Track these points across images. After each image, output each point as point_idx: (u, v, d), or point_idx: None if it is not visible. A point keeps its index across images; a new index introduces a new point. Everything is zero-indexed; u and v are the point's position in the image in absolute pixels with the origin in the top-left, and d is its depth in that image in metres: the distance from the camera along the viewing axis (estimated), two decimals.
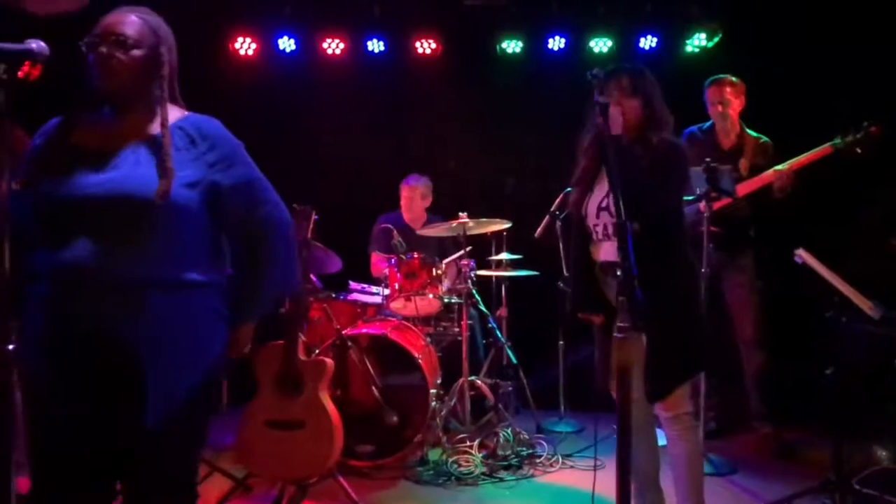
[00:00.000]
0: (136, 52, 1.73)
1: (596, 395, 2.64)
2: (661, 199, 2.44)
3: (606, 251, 2.54)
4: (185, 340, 1.68)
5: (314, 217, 3.30)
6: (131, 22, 1.75)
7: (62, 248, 1.62)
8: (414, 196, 4.79)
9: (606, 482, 3.44)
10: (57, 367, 1.62)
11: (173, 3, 4.98)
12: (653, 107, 2.56)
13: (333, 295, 4.24)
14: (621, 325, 1.77)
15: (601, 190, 2.56)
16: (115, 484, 1.73)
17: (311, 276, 4.35)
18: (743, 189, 3.91)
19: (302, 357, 3.10)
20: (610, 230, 2.51)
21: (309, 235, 3.23)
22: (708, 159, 3.65)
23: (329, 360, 3.15)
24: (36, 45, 1.62)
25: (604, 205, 2.53)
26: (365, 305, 4.27)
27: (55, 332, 1.62)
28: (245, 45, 5.26)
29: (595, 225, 2.57)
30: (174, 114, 1.78)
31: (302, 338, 3.17)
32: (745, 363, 4.08)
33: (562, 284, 4.25)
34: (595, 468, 3.06)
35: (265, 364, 3.09)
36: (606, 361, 2.60)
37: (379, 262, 4.55)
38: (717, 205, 3.82)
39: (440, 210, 4.86)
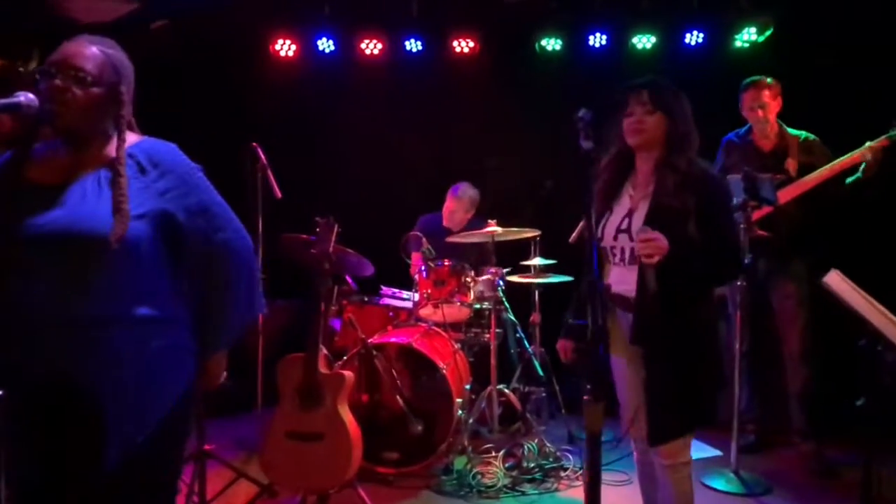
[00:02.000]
0: (95, 91, 1.66)
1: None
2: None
3: (618, 278, 2.38)
4: (143, 378, 1.64)
5: (336, 228, 3.31)
6: (93, 56, 1.67)
7: (12, 289, 1.58)
8: (458, 209, 4.73)
9: (634, 496, 3.42)
10: (13, 412, 1.62)
11: (214, 6, 5.13)
12: (675, 123, 2.37)
13: (366, 299, 4.27)
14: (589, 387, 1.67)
15: (621, 210, 2.41)
16: None
17: (347, 278, 4.41)
18: (794, 190, 3.73)
19: (323, 370, 3.14)
20: (627, 255, 2.36)
21: (331, 248, 3.24)
22: (747, 168, 3.53)
23: (349, 374, 3.17)
24: (24, 97, 1.63)
25: (623, 226, 2.36)
26: (397, 310, 4.28)
27: (8, 377, 1.60)
28: (285, 47, 5.30)
29: (612, 247, 2.41)
30: (128, 139, 1.73)
31: (323, 350, 3.19)
32: (789, 377, 3.91)
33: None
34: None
35: (286, 376, 3.14)
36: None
37: (418, 261, 4.56)
38: (756, 214, 3.68)
39: (478, 210, 4.82)
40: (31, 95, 1.64)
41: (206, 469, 3.28)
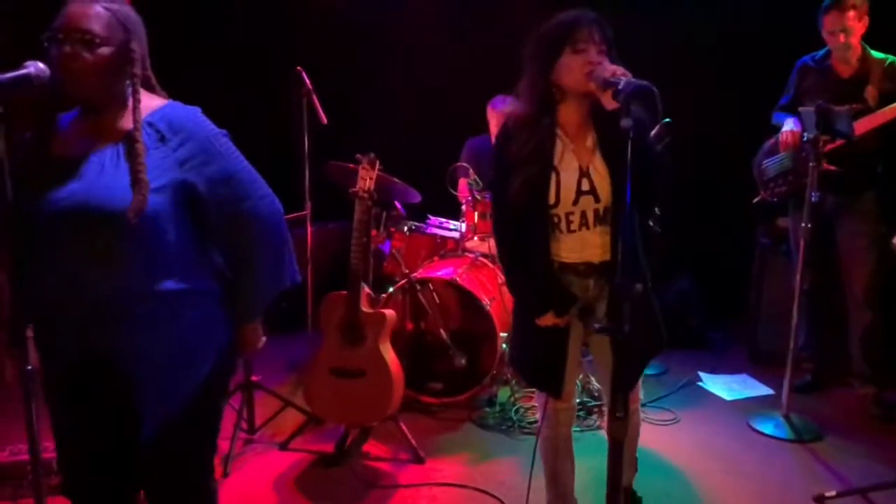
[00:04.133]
0: (104, 51, 1.58)
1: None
2: (669, 168, 2.09)
3: (579, 244, 2.15)
4: (175, 352, 1.66)
5: (378, 165, 3.22)
6: (97, 15, 1.58)
7: (44, 267, 1.58)
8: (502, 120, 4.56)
9: (679, 438, 3.41)
10: (54, 394, 1.69)
11: None
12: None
13: (414, 227, 4.22)
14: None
15: (569, 170, 2.11)
16: (137, 494, 1.82)
17: (396, 203, 4.36)
18: (871, 121, 3.42)
19: (365, 308, 3.14)
20: (590, 218, 2.12)
21: (372, 186, 3.16)
22: (821, 102, 3.24)
23: (390, 313, 3.17)
24: (34, 68, 1.57)
25: (585, 188, 2.10)
26: (444, 239, 4.23)
27: (47, 356, 1.65)
28: None
29: (569, 214, 2.13)
30: (147, 105, 1.66)
31: (365, 289, 3.19)
32: (852, 319, 3.73)
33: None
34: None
35: (329, 313, 3.16)
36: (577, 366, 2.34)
37: (465, 191, 4.45)
38: (828, 146, 3.42)
39: None
40: (40, 65, 1.57)
41: (253, 398, 3.41)
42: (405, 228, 4.18)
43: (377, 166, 3.19)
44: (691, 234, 4.84)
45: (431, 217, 4.30)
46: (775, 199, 3.83)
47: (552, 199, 2.12)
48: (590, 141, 2.14)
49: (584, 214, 2.13)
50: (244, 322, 1.85)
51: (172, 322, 1.65)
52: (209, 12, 5.16)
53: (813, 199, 3.30)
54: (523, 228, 2.17)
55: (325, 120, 3.86)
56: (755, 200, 3.91)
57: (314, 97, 3.86)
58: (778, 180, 3.78)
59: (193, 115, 1.73)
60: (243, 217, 1.74)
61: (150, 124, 1.65)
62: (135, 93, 1.64)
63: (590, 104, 2.12)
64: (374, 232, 4.23)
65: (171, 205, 1.62)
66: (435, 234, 4.20)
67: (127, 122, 1.63)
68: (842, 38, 3.43)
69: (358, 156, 3.21)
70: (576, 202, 2.12)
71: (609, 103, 1.89)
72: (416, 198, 4.10)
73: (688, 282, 4.84)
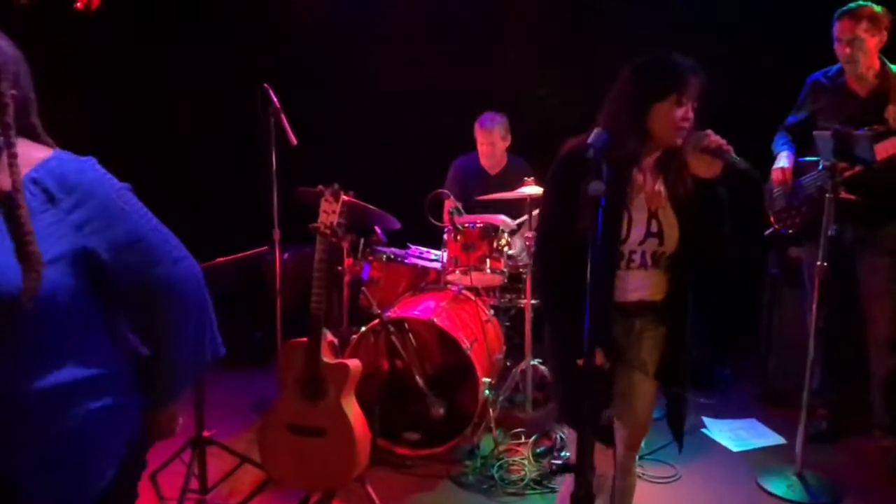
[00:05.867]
0: None
1: None
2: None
3: (638, 283, 2.14)
4: (75, 452, 1.38)
5: (344, 197, 2.90)
6: None
7: None
8: (491, 140, 4.24)
9: (681, 499, 3.06)
10: None
11: None
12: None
13: (393, 255, 3.89)
14: None
15: (640, 211, 2.10)
16: None
17: (376, 229, 4.04)
18: (891, 147, 3.06)
19: (326, 358, 2.81)
20: (649, 259, 2.12)
21: (334, 221, 2.83)
22: (838, 127, 2.90)
23: (355, 364, 2.84)
24: None
25: (654, 229, 2.10)
26: (426, 269, 3.89)
27: None
28: None
29: (632, 252, 2.12)
30: (27, 159, 1.35)
31: (327, 336, 2.85)
32: (874, 363, 3.39)
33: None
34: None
35: (287, 362, 2.84)
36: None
37: (448, 220, 4.12)
38: (847, 173, 3.07)
39: (524, 149, 4.30)
40: None
41: (206, 454, 3.07)
42: (384, 257, 3.85)
43: (342, 199, 2.86)
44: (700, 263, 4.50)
45: (412, 246, 3.98)
46: (790, 231, 3.48)
47: (623, 235, 2.08)
48: (659, 185, 2.12)
49: (644, 254, 2.12)
50: (159, 407, 1.56)
51: (70, 416, 1.36)
52: (173, 21, 4.87)
53: (830, 233, 2.95)
54: (582, 263, 1.96)
55: (294, 141, 3.59)
56: (766, 232, 3.57)
57: (282, 117, 3.59)
58: (790, 210, 3.43)
59: (88, 168, 1.41)
60: (156, 285, 1.45)
61: (34, 181, 1.33)
62: (8, 146, 1.32)
63: (662, 152, 2.10)
64: (349, 261, 3.93)
65: (71, 278, 1.33)
66: (415, 265, 3.88)
67: (3, 183, 1.31)
68: (848, 49, 3.10)
69: (320, 187, 2.89)
70: (643, 241, 2.10)
71: (699, 168, 2.01)
72: (396, 225, 3.83)
73: (695, 314, 4.47)
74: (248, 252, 3.19)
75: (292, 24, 4.90)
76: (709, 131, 1.99)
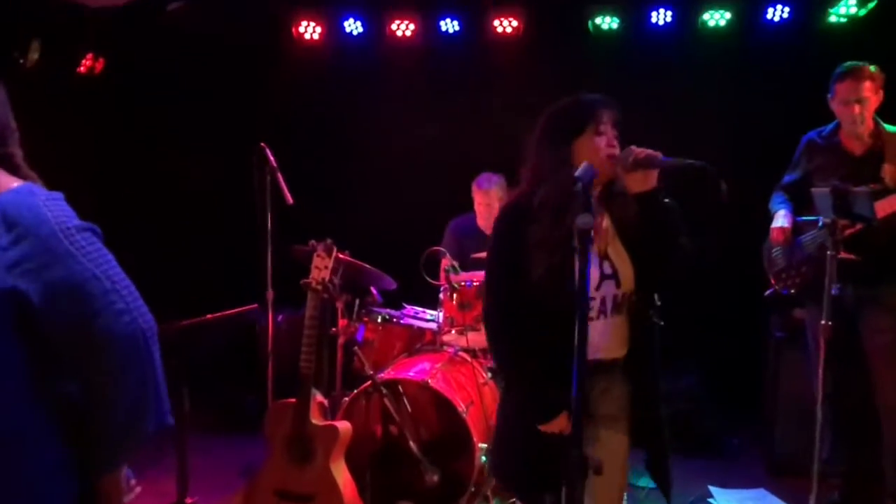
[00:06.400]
0: None
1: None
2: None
3: (599, 337, 1.98)
4: None
5: (340, 256, 2.85)
6: None
7: None
8: (489, 201, 4.21)
9: None
10: None
11: None
12: None
13: (388, 316, 3.81)
14: None
15: (592, 251, 1.99)
16: None
17: (372, 289, 3.97)
18: (890, 205, 3.04)
19: (315, 420, 2.70)
20: (609, 305, 2.02)
21: (326, 277, 2.78)
22: (836, 183, 2.86)
23: (344, 426, 2.75)
24: None
25: (608, 271, 2.01)
26: (422, 330, 3.81)
27: None
28: (309, 29, 4.85)
29: (590, 299, 1.98)
30: None
31: (317, 397, 2.76)
32: (885, 428, 3.25)
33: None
34: None
35: (275, 424, 2.75)
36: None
37: (443, 279, 4.07)
38: (848, 232, 3.02)
39: None
40: None
41: None
42: (378, 318, 3.77)
43: (334, 254, 2.82)
44: (699, 325, 4.47)
45: (407, 306, 3.90)
46: (791, 291, 3.41)
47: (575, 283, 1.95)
48: (605, 223, 2.05)
49: (603, 301, 2.02)
50: (100, 472, 1.41)
51: None
52: (178, 77, 4.95)
53: (833, 292, 2.88)
54: (539, 317, 1.97)
55: (290, 200, 3.57)
56: (767, 293, 3.51)
57: (279, 175, 3.58)
58: (790, 270, 3.38)
59: (38, 204, 1.32)
60: (93, 339, 1.31)
61: None
62: None
63: (602, 186, 2.05)
64: (344, 321, 3.85)
65: None
66: (410, 326, 3.79)
67: None
68: (856, 108, 3.09)
69: (312, 242, 2.85)
70: (598, 287, 2.01)
71: (635, 185, 1.93)
72: (392, 285, 3.76)
73: (696, 379, 4.40)
74: (236, 310, 3.12)
75: (291, 85, 4.97)
76: (632, 147, 1.96)
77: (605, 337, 2.02)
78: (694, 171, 1.85)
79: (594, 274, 1.99)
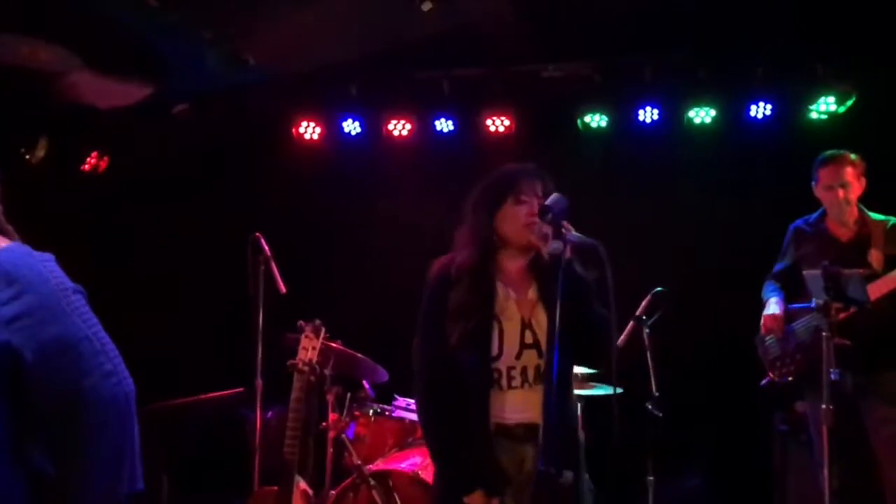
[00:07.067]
0: None
1: None
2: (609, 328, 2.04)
3: (519, 405, 2.03)
4: None
5: (333, 345, 2.82)
6: None
7: None
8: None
9: None
10: None
11: (235, 90, 4.95)
12: None
13: (380, 409, 3.72)
14: None
15: (511, 322, 2.06)
16: None
17: (365, 384, 3.90)
18: (886, 284, 3.04)
19: None
20: (531, 374, 2.04)
21: (313, 358, 2.73)
22: (826, 263, 2.88)
23: None
24: None
25: (529, 340, 2.04)
26: (413, 423, 3.70)
27: None
28: (309, 130, 5.01)
29: (510, 368, 2.04)
30: None
31: (300, 484, 2.64)
32: None
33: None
34: None
35: None
36: None
37: None
38: (841, 315, 2.99)
39: None
40: None
41: None
42: (370, 412, 3.68)
43: (322, 335, 2.79)
44: (701, 422, 4.37)
45: (398, 397, 3.82)
46: (788, 379, 3.34)
47: (495, 350, 2.03)
48: (531, 293, 2.10)
49: (525, 370, 2.04)
50: None
51: None
52: (185, 175, 5.09)
53: (833, 377, 2.82)
54: (458, 385, 2.01)
55: (283, 289, 3.58)
56: (763, 383, 3.46)
57: (273, 265, 3.61)
58: (785, 358, 3.33)
59: (37, 263, 1.33)
60: (80, 398, 1.28)
61: None
62: None
63: (531, 257, 2.11)
64: (334, 416, 3.75)
65: None
66: (402, 418, 3.69)
67: None
68: (840, 193, 3.16)
69: (300, 323, 2.83)
70: (518, 356, 2.04)
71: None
72: (384, 377, 3.72)
73: (699, 479, 4.23)
74: (222, 392, 3.05)
75: (290, 180, 5.09)
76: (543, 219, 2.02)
77: (530, 404, 2.02)
78: (586, 250, 1.96)
79: (513, 342, 2.03)
